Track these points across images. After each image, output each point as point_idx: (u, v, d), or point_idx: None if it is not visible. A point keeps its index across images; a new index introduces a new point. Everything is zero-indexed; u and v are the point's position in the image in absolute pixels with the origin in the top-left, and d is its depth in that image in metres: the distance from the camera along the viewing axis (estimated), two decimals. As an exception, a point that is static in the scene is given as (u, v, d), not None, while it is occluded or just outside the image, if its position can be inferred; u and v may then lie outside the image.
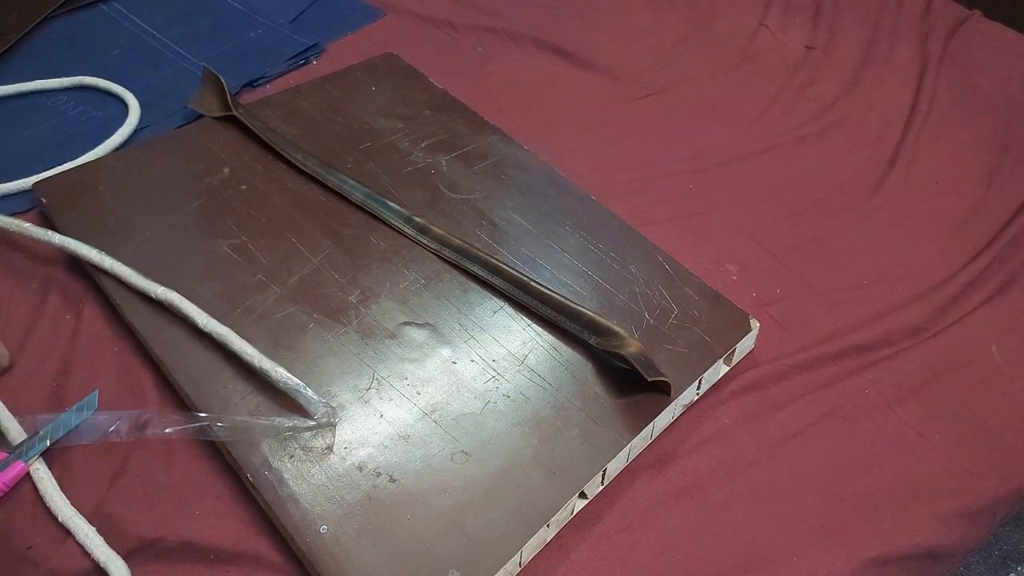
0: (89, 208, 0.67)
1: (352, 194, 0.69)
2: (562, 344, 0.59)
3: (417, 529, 0.48)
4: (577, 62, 0.94)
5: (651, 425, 0.55)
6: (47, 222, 0.67)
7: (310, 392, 0.53)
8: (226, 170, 0.71)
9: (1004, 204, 0.79)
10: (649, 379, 0.54)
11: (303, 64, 0.90)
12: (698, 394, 0.59)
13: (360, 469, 0.51)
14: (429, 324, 0.60)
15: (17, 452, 0.51)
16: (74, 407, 0.54)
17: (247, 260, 0.63)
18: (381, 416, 0.54)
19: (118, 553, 0.47)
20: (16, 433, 0.53)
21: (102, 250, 0.61)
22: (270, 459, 0.51)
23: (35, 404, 0.55)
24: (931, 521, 0.54)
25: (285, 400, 0.54)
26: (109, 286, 0.60)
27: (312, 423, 0.52)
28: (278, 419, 0.52)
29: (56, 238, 0.61)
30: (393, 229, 0.67)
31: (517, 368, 0.57)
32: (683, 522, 0.53)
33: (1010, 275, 0.72)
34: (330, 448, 0.52)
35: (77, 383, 0.57)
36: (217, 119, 0.77)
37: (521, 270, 0.63)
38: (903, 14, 1.05)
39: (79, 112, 0.81)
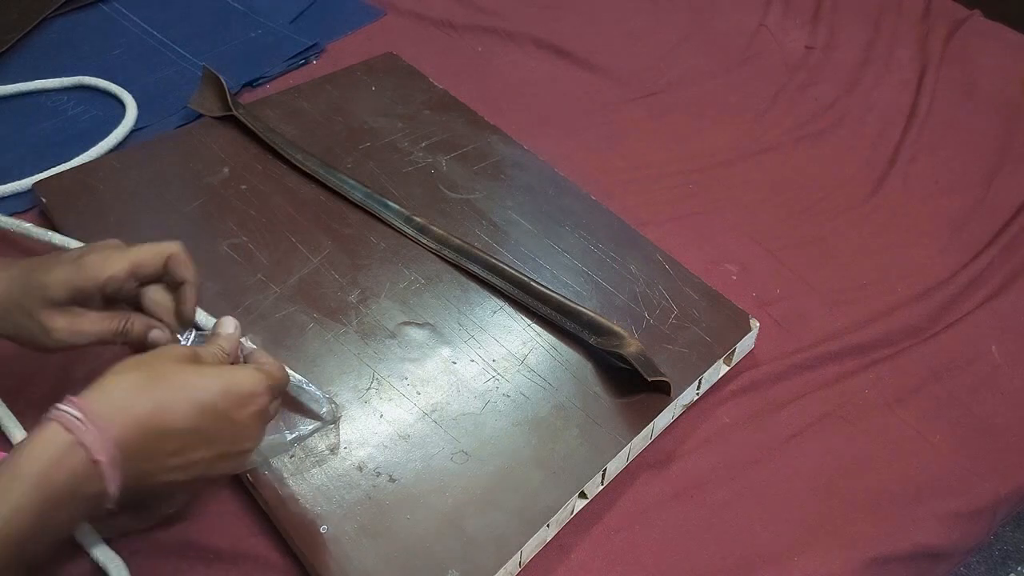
0: (89, 208, 0.67)
1: (352, 194, 0.69)
2: (562, 344, 0.59)
3: (417, 529, 0.48)
4: (577, 62, 0.94)
5: (651, 425, 0.55)
6: (47, 222, 0.67)
7: (313, 388, 0.53)
8: (226, 170, 0.71)
9: (1004, 204, 0.79)
10: (649, 379, 0.54)
11: (303, 64, 0.90)
12: (698, 394, 0.59)
13: (360, 469, 0.51)
14: (429, 324, 0.60)
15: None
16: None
17: (247, 260, 0.63)
18: (381, 416, 0.54)
19: (118, 553, 0.47)
20: (17, 432, 0.53)
21: (102, 250, 0.61)
22: (270, 459, 0.51)
23: (36, 404, 0.55)
24: (931, 521, 0.54)
25: (286, 399, 0.54)
26: (109, 286, 0.60)
27: (315, 425, 0.52)
28: (279, 433, 0.52)
29: (56, 238, 0.61)
30: (393, 229, 0.67)
31: (517, 368, 0.57)
32: (683, 522, 0.53)
33: (1010, 275, 0.72)
34: (331, 449, 0.52)
35: (78, 382, 0.57)
36: (217, 119, 0.77)
37: (521, 270, 0.63)
38: (903, 14, 1.05)
39: (79, 112, 0.80)
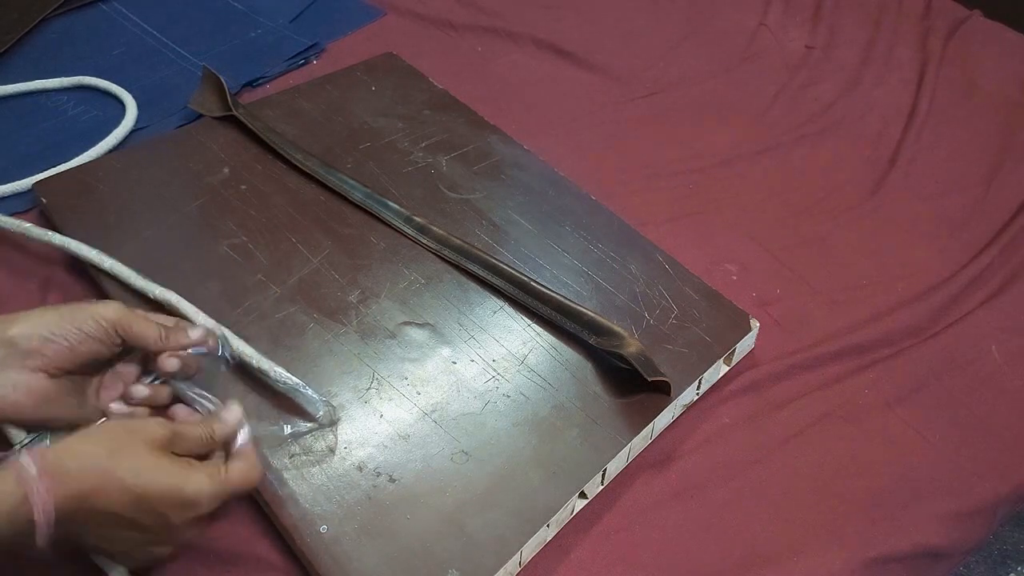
0: (89, 208, 0.67)
1: (352, 194, 0.69)
2: (562, 344, 0.59)
3: (417, 529, 0.48)
4: (577, 62, 0.94)
5: (651, 425, 0.55)
6: (47, 222, 0.67)
7: (310, 391, 0.53)
8: (226, 170, 0.71)
9: (1004, 204, 0.79)
10: (649, 379, 0.54)
11: (303, 64, 0.90)
12: (698, 394, 0.59)
13: (360, 469, 0.51)
14: (429, 324, 0.60)
15: (18, 451, 0.51)
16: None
17: (247, 260, 0.63)
18: (381, 416, 0.54)
19: (118, 553, 0.47)
20: (17, 432, 0.53)
21: (102, 250, 0.61)
22: (270, 459, 0.51)
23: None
24: (931, 521, 0.54)
25: (284, 400, 0.54)
26: (109, 286, 0.60)
27: (312, 425, 0.52)
28: (277, 426, 0.52)
29: (56, 238, 0.61)
30: (393, 229, 0.67)
31: (517, 368, 0.57)
32: (683, 522, 0.53)
33: (1010, 275, 0.72)
34: (331, 449, 0.52)
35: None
36: (217, 119, 0.77)
37: (521, 270, 0.63)
38: (903, 14, 1.05)
39: (79, 112, 0.80)
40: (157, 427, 0.43)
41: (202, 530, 0.45)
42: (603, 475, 0.53)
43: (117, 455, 0.40)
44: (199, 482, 0.42)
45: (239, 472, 0.45)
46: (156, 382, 0.50)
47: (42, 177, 0.70)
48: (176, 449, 0.43)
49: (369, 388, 0.56)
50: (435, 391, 0.56)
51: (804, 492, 0.55)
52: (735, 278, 0.69)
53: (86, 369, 0.48)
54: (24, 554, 0.39)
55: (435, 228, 0.66)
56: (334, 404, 0.54)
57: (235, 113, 0.76)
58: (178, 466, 0.42)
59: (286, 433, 0.51)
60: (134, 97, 0.81)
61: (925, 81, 0.93)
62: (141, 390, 0.50)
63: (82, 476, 0.39)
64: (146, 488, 0.40)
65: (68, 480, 0.38)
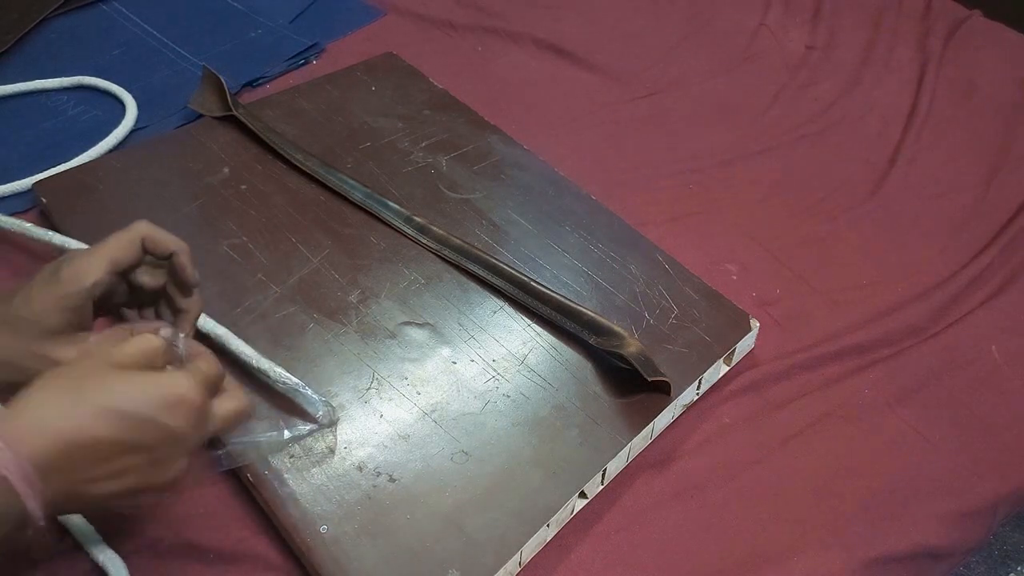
0: (89, 208, 0.67)
1: (352, 194, 0.69)
2: (562, 344, 0.59)
3: (417, 529, 0.48)
4: (577, 62, 0.94)
5: (651, 425, 0.55)
6: (47, 222, 0.67)
7: (309, 391, 0.53)
8: (226, 170, 0.71)
9: (1004, 204, 0.79)
10: (649, 379, 0.54)
11: (303, 64, 0.90)
12: (698, 394, 0.59)
13: (360, 469, 0.51)
14: (429, 324, 0.60)
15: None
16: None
17: (247, 260, 0.63)
18: (381, 416, 0.54)
19: (118, 553, 0.47)
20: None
21: (102, 250, 0.61)
22: (270, 459, 0.51)
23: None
24: (931, 521, 0.54)
25: (284, 400, 0.54)
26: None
27: (312, 426, 0.52)
28: (277, 431, 0.52)
29: (56, 238, 0.61)
30: (393, 229, 0.67)
31: (517, 368, 0.57)
32: (683, 522, 0.53)
33: (1010, 275, 0.72)
34: (331, 449, 0.52)
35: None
36: (217, 119, 0.77)
37: (521, 270, 0.63)
38: (903, 14, 1.05)
39: (79, 112, 0.80)
40: (107, 351, 0.39)
41: (200, 432, 0.40)
42: (603, 475, 0.53)
43: (83, 384, 0.37)
44: (177, 377, 0.39)
45: (201, 360, 0.42)
46: None
47: (42, 177, 0.70)
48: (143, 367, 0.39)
49: (369, 388, 0.56)
50: (435, 391, 0.56)
51: (804, 492, 0.55)
52: (735, 278, 0.69)
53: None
54: (29, 548, 0.37)
55: (435, 228, 0.66)
56: (334, 404, 0.54)
57: (235, 113, 0.76)
58: (152, 374, 0.39)
59: (286, 438, 0.51)
60: (134, 97, 0.81)
61: (925, 81, 0.93)
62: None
63: (52, 419, 0.36)
64: (128, 401, 0.37)
65: (36, 429, 0.35)
